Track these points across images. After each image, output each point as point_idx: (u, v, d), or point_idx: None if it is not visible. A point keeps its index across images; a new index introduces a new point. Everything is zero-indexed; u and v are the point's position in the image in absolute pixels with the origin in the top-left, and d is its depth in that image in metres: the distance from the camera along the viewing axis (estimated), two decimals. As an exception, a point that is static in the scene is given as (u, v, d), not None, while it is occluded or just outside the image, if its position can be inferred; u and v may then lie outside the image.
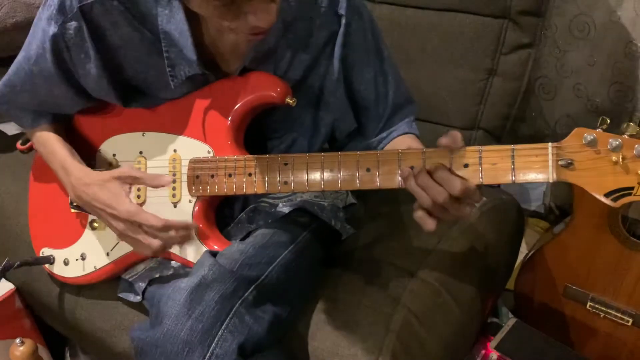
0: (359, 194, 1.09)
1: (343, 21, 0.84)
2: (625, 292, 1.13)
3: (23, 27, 1.31)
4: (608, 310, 1.16)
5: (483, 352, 1.08)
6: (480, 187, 0.68)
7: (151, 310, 0.80)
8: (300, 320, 0.86)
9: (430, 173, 0.67)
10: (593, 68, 1.32)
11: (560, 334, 1.22)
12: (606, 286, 1.15)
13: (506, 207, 1.15)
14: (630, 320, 1.14)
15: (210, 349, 0.70)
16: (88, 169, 0.86)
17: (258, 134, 0.91)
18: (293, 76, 0.86)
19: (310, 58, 0.86)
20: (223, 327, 0.72)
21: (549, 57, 1.39)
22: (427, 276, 0.93)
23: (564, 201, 1.57)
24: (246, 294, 0.76)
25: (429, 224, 0.68)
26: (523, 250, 1.38)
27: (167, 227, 0.79)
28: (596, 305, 1.18)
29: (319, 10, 0.84)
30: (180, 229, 0.81)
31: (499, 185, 1.22)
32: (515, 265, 1.31)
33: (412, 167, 0.69)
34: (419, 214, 0.68)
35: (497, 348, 1.07)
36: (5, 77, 0.90)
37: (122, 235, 0.83)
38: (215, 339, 0.71)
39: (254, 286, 0.77)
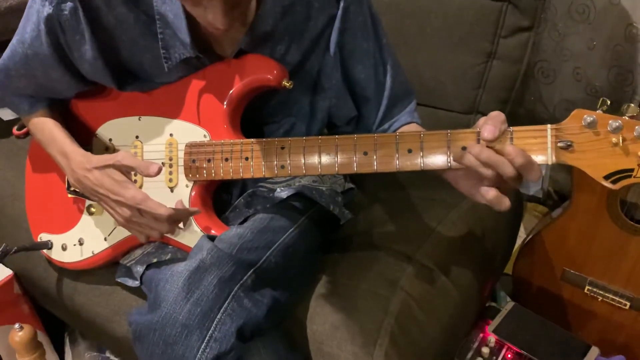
0: (356, 178, 1.09)
1: (341, 5, 0.84)
2: (623, 276, 1.14)
3: (17, 11, 1.30)
4: (606, 294, 1.17)
5: (481, 335, 1.08)
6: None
7: (149, 295, 0.80)
8: (299, 304, 0.86)
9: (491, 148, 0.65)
10: (593, 52, 1.31)
11: (558, 318, 1.23)
12: (604, 270, 1.16)
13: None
14: (628, 304, 1.15)
15: (209, 333, 0.70)
16: (88, 154, 0.85)
17: (256, 119, 0.90)
18: (291, 60, 0.86)
19: (308, 42, 0.86)
20: (222, 311, 0.72)
21: (548, 40, 1.38)
22: (426, 260, 0.94)
23: (563, 186, 1.57)
24: (245, 278, 0.76)
25: (500, 198, 0.65)
26: (521, 235, 1.38)
27: (172, 217, 0.79)
28: (594, 289, 1.18)
29: None
30: (184, 218, 0.81)
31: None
32: (514, 250, 1.31)
33: (464, 148, 0.67)
34: (489, 191, 0.65)
35: (495, 331, 1.08)
36: (-1, 63, 0.89)
37: (126, 221, 0.82)
38: (214, 323, 0.71)
39: (252, 270, 0.77)
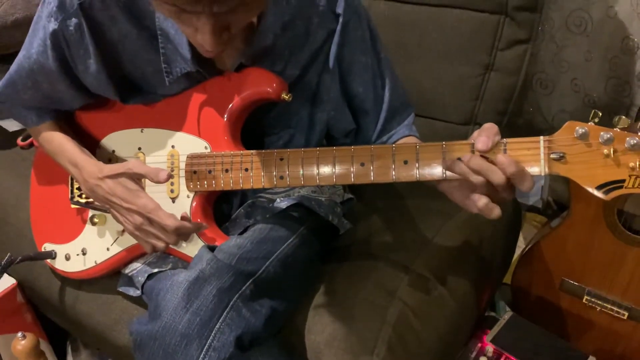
0: (355, 189, 1.10)
1: (340, 20, 0.85)
2: (621, 286, 1.14)
3: (22, 25, 1.32)
4: (604, 304, 1.17)
5: (479, 345, 1.09)
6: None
7: (150, 304, 0.81)
8: (298, 314, 0.87)
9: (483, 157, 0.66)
10: (590, 63, 1.32)
11: (556, 328, 1.23)
12: (602, 280, 1.16)
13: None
14: (626, 314, 1.15)
15: (208, 342, 0.71)
16: (100, 163, 0.86)
17: (256, 130, 0.91)
18: (291, 73, 0.87)
19: (308, 56, 0.87)
20: (221, 321, 0.73)
21: (546, 52, 1.40)
22: (423, 270, 0.94)
23: (562, 196, 1.57)
24: (244, 288, 0.77)
25: (489, 205, 0.66)
26: (520, 245, 1.39)
27: (179, 229, 0.79)
28: (592, 299, 1.18)
29: (318, 10, 0.84)
30: (191, 232, 0.82)
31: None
32: (513, 260, 1.32)
33: (459, 159, 0.68)
34: (480, 199, 0.66)
35: (492, 341, 1.08)
36: (6, 76, 0.90)
37: (135, 229, 0.83)
38: (213, 332, 0.72)
39: (251, 280, 0.78)
